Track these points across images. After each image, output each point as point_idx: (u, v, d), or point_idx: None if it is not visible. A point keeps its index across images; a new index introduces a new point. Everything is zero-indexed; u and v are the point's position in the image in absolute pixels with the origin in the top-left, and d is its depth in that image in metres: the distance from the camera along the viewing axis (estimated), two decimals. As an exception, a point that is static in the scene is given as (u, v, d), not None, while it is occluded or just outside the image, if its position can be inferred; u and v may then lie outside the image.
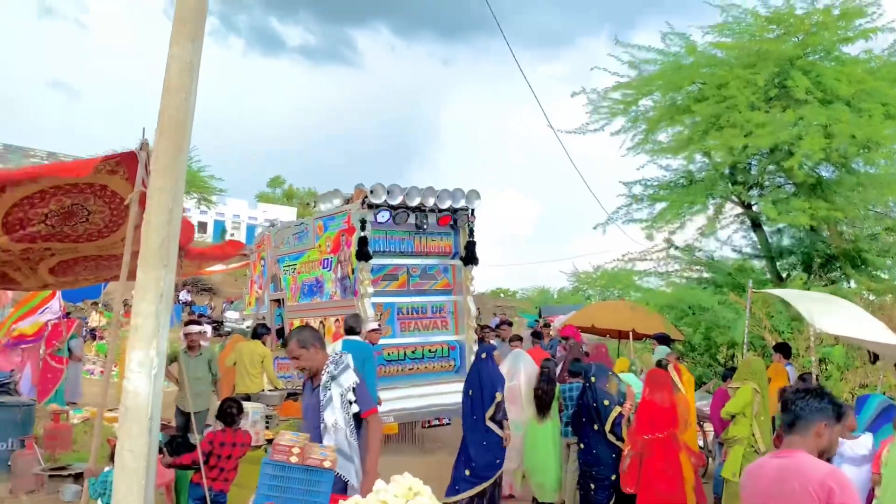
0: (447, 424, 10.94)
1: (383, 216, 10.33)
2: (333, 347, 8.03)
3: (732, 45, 12.18)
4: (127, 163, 4.69)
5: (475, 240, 11.22)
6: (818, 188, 11.45)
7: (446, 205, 10.81)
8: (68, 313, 13.47)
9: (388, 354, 10.45)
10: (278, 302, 12.50)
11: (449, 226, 11.12)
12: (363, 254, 10.09)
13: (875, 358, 10.06)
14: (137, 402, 4.20)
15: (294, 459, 3.80)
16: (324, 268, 11.23)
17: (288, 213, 59.53)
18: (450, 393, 10.47)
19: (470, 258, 11.17)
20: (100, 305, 20.65)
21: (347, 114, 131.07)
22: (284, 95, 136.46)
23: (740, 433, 6.68)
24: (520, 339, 10.40)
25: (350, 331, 8.04)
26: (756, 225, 12.93)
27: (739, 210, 13.11)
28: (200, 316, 19.78)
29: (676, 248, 14.38)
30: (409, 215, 10.54)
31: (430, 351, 10.93)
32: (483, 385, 7.64)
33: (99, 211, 5.23)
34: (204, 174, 37.11)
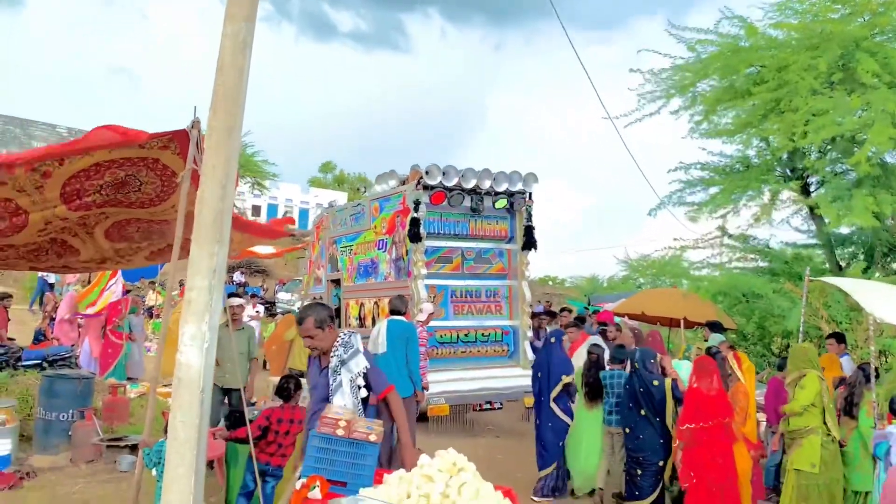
0: (499, 409, 10.94)
1: (439, 198, 10.27)
2: (379, 326, 8.11)
3: (794, 27, 11.75)
4: (179, 140, 4.80)
5: (533, 224, 11.09)
6: (882, 177, 11.01)
7: (503, 187, 10.69)
8: (128, 291, 13.86)
9: (441, 336, 10.47)
10: (336, 282, 12.60)
11: (505, 209, 11.00)
12: (415, 235, 10.10)
13: None
14: (190, 374, 4.30)
15: (340, 432, 3.85)
16: (379, 249, 11.26)
17: (339, 198, 60.09)
18: (502, 377, 10.60)
19: (528, 243, 11.07)
20: (157, 285, 21.19)
21: (398, 99, 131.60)
22: (336, 81, 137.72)
23: (812, 423, 6.36)
24: (577, 325, 10.30)
25: (395, 311, 8.10)
26: (814, 213, 12.52)
27: (796, 196, 12.71)
28: (253, 296, 20.13)
29: (730, 235, 14.06)
30: (464, 197, 10.46)
31: (483, 335, 10.89)
32: (551, 368, 7.94)
33: (150, 182, 5.39)
34: (257, 159, 37.65)
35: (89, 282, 13.16)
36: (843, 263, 13.25)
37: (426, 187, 10.19)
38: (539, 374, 8.14)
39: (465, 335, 10.77)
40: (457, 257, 10.86)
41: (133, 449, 7.31)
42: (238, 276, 29.57)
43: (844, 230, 13.19)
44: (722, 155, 13.47)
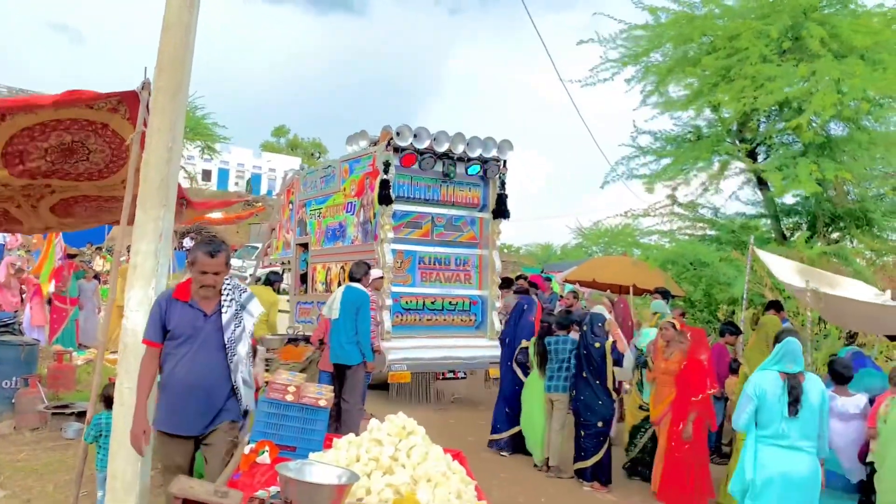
0: (462, 378, 10.93)
1: (409, 160, 10.01)
2: (336, 292, 8.08)
3: (746, -6, 11.89)
4: (128, 102, 4.67)
5: (507, 192, 10.90)
6: (826, 147, 11.29)
7: (476, 153, 10.48)
8: (71, 255, 13.53)
9: (406, 303, 10.34)
10: (304, 246, 12.37)
11: (479, 176, 10.79)
12: (384, 197, 9.85)
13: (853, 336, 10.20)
14: (136, 339, 4.24)
15: (290, 398, 3.85)
16: (347, 212, 11.00)
17: (292, 163, 59.26)
18: (467, 347, 10.46)
19: (500, 211, 10.89)
20: (103, 250, 20.73)
21: (352, 64, 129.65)
22: (288, 43, 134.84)
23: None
24: (526, 291, 10.39)
25: (353, 278, 8.05)
26: (762, 182, 12.80)
27: (745, 167, 12.96)
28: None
29: (680, 204, 14.29)
30: (435, 161, 10.21)
31: (450, 303, 10.73)
32: (516, 334, 8.28)
33: (99, 150, 5.22)
34: (208, 121, 36.76)
35: (28, 250, 12.79)
36: (787, 233, 13.59)
37: (396, 149, 9.92)
38: (507, 340, 8.38)
39: (432, 303, 10.60)
40: (426, 223, 10.64)
41: (80, 416, 7.19)
42: (188, 242, 29.05)
43: (790, 200, 13.53)
44: (675, 122, 13.63)
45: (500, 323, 10.61)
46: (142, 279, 4.26)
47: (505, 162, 10.81)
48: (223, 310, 3.88)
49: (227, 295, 3.92)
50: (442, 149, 10.15)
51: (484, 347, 10.57)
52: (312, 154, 65.95)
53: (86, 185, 5.87)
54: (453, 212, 10.82)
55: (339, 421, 7.26)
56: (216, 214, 17.47)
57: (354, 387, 7.59)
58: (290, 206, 13.14)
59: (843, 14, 11.30)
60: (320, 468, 2.76)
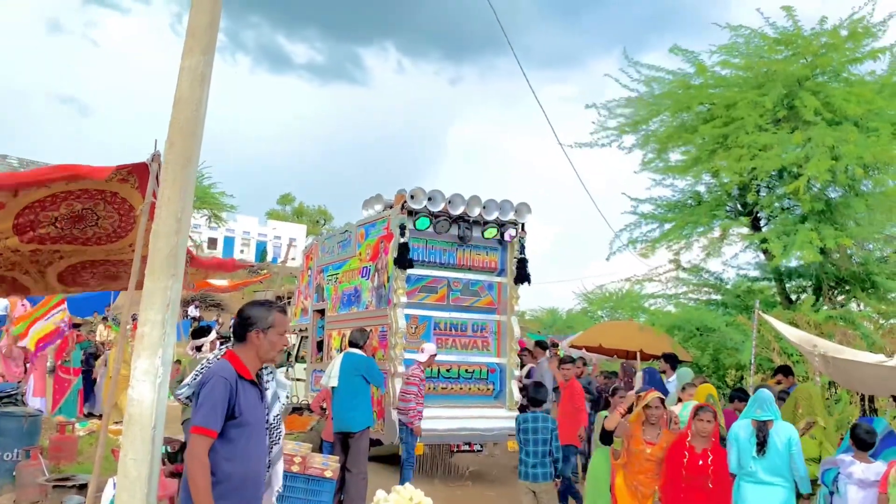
0: (478, 452, 10.31)
1: (423, 223, 9.84)
2: (335, 360, 8.06)
3: (741, 66, 12.22)
4: (138, 173, 4.77)
5: (526, 257, 10.61)
6: (826, 213, 11.41)
7: (493, 216, 10.25)
8: (76, 325, 13.55)
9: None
10: (321, 312, 12.13)
11: (496, 240, 10.55)
12: (403, 261, 9.63)
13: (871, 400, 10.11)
14: (141, 410, 4.21)
15: (296, 468, 3.81)
16: (362, 276, 10.79)
17: (298, 231, 59.75)
18: (485, 418, 9.98)
19: (521, 276, 10.56)
20: (109, 319, 20.74)
21: (355, 133, 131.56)
22: (293, 113, 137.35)
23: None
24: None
25: (353, 344, 8.03)
26: (769, 253, 12.90)
27: (747, 231, 13.06)
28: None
29: (683, 269, 14.35)
30: (450, 225, 10.02)
31: (466, 371, 10.33)
32: None
33: (108, 216, 5.31)
34: (214, 191, 37.31)
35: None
36: (793, 296, 13.59)
37: (411, 212, 9.75)
38: None
39: (448, 370, 10.18)
40: (442, 287, 10.35)
41: (81, 489, 7.09)
42: (192, 310, 29.11)
43: (794, 263, 13.59)
44: (674, 189, 13.83)
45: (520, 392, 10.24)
46: (149, 349, 4.25)
47: (523, 225, 10.60)
48: (265, 386, 3.48)
49: (266, 367, 3.54)
50: (457, 212, 9.97)
51: (502, 418, 10.07)
52: (318, 221, 66.58)
53: (94, 250, 5.94)
54: (470, 276, 10.54)
55: (343, 491, 7.13)
56: (221, 282, 17.56)
57: (359, 455, 7.46)
58: (309, 271, 13.02)
59: (836, 82, 11.60)
60: (326, 541, 2.72)
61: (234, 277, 15.27)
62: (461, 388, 10.22)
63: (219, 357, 3.52)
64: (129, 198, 5.03)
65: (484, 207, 10.14)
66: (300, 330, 13.10)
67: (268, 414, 3.44)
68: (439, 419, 9.51)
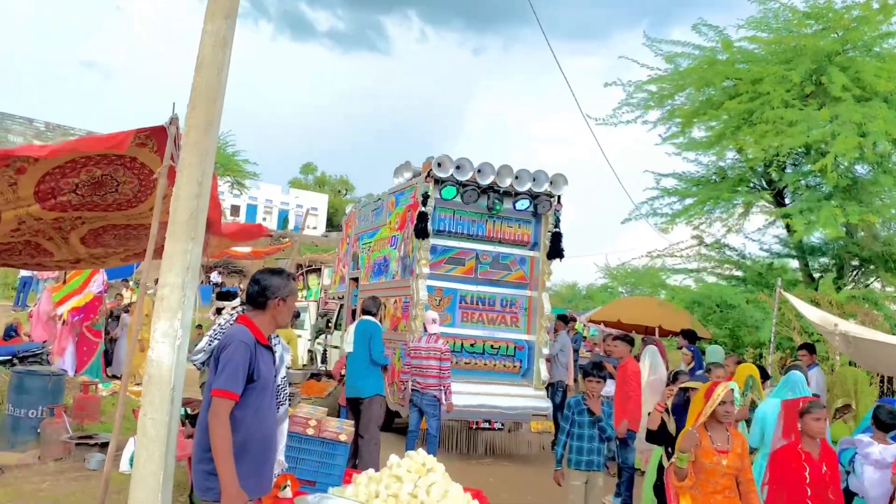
0: (499, 430, 9.89)
1: (449, 192, 9.46)
2: (350, 327, 8.12)
3: (768, 41, 11.97)
4: (156, 137, 4.78)
5: (561, 230, 10.06)
6: (853, 189, 11.23)
7: (525, 187, 9.77)
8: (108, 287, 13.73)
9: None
10: (356, 281, 11.86)
11: (529, 211, 10.07)
12: (421, 231, 9.29)
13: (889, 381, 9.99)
14: (160, 371, 4.27)
15: (310, 432, 3.85)
16: (391, 246, 10.50)
17: (320, 200, 60.00)
18: (508, 395, 9.61)
19: (554, 251, 10.00)
20: (131, 283, 21.01)
21: (378, 102, 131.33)
22: (315, 81, 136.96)
23: None
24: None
25: (366, 311, 8.07)
26: (791, 229, 12.75)
27: (771, 207, 12.91)
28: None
29: (706, 245, 14.24)
30: (479, 195, 9.60)
31: (492, 347, 9.94)
32: None
33: (128, 181, 5.34)
34: (238, 158, 37.48)
35: (65, 280, 12.98)
36: (816, 275, 13.45)
37: (436, 181, 9.36)
38: None
39: (472, 345, 9.77)
40: (470, 260, 9.90)
41: (103, 447, 7.23)
42: (215, 277, 29.42)
43: (816, 240, 13.43)
44: (697, 164, 13.68)
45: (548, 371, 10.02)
46: (168, 311, 4.30)
47: (559, 198, 10.02)
48: (274, 349, 3.53)
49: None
50: (486, 181, 9.53)
51: (528, 397, 9.73)
52: (339, 191, 66.75)
53: (114, 215, 6.00)
54: (501, 249, 10.04)
55: (357, 457, 7.22)
56: (243, 249, 17.68)
57: (370, 421, 7.54)
58: (347, 239, 12.83)
59: (867, 58, 11.33)
60: (338, 502, 2.77)
61: (255, 245, 15.35)
62: (485, 364, 9.86)
63: (231, 322, 3.59)
64: (148, 162, 5.06)
65: (516, 178, 9.71)
66: (338, 298, 12.89)
67: (275, 376, 3.53)
68: (459, 395, 9.07)
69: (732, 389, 4.49)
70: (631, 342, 8.45)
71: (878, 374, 10.55)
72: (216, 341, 3.51)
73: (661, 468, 5.47)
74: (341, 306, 12.71)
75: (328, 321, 12.89)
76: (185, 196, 4.28)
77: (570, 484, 5.48)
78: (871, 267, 12.58)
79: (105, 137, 4.73)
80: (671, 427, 5.17)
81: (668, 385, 6.28)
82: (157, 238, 4.63)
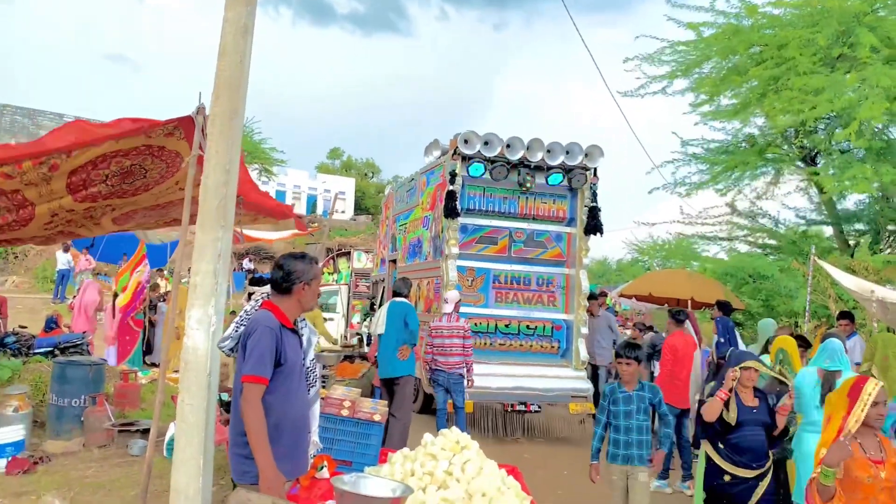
0: (536, 412, 9.68)
1: (477, 169, 9.20)
2: (381, 309, 8.17)
3: (794, 3, 11.70)
4: (184, 126, 4.83)
5: (598, 205, 9.66)
6: (887, 151, 10.99)
7: (558, 161, 9.41)
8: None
9: (476, 325, 9.28)
10: (394, 262, 11.73)
11: (565, 187, 9.70)
12: (450, 210, 9.07)
13: None
14: (196, 357, 4.35)
15: (345, 413, 3.90)
16: (423, 226, 10.31)
17: (347, 184, 60.17)
18: (545, 377, 9.35)
19: (592, 226, 9.63)
20: (165, 272, 21.33)
21: (401, 83, 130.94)
22: (337, 65, 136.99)
23: None
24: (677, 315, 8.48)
25: (397, 293, 8.09)
26: (821, 189, 12.53)
27: (803, 175, 12.70)
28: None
29: (738, 212, 14.06)
30: (509, 171, 9.29)
31: (528, 327, 9.66)
32: None
33: (155, 167, 5.42)
34: (265, 146, 37.70)
35: (99, 273, 13.21)
36: (850, 241, 13.23)
37: (464, 158, 9.11)
38: None
39: (506, 326, 9.55)
40: (503, 238, 9.62)
41: (144, 433, 7.39)
42: (247, 263, 29.71)
43: (851, 206, 13.20)
44: (725, 131, 13.48)
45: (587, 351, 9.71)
46: (202, 298, 4.36)
47: (595, 170, 9.62)
48: (301, 333, 3.58)
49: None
50: (516, 157, 9.21)
51: (567, 378, 9.46)
52: (366, 174, 66.83)
53: (143, 198, 6.10)
54: (535, 226, 9.74)
55: (387, 437, 7.29)
56: (272, 235, 17.84)
57: (403, 401, 7.62)
58: (387, 220, 12.72)
59: (897, 15, 11.04)
60: (375, 481, 2.80)
61: (282, 228, 15.41)
62: (521, 345, 9.60)
63: (257, 308, 3.64)
64: (176, 148, 5.13)
65: (548, 151, 9.36)
66: (381, 280, 12.79)
67: (304, 358, 3.56)
68: (492, 376, 9.00)
69: (883, 386, 3.82)
70: (675, 316, 8.19)
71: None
72: (242, 327, 3.54)
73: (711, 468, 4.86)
74: (383, 289, 12.53)
75: (372, 304, 12.87)
76: (213, 184, 4.33)
77: (610, 479, 5.00)
78: (908, 231, 12.36)
79: (132, 127, 4.77)
80: (731, 418, 4.63)
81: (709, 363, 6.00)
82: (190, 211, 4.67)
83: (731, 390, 4.67)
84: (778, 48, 11.24)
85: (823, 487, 3.53)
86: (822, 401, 5.01)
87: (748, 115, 12.35)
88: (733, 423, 4.61)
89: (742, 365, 4.74)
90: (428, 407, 9.68)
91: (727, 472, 4.67)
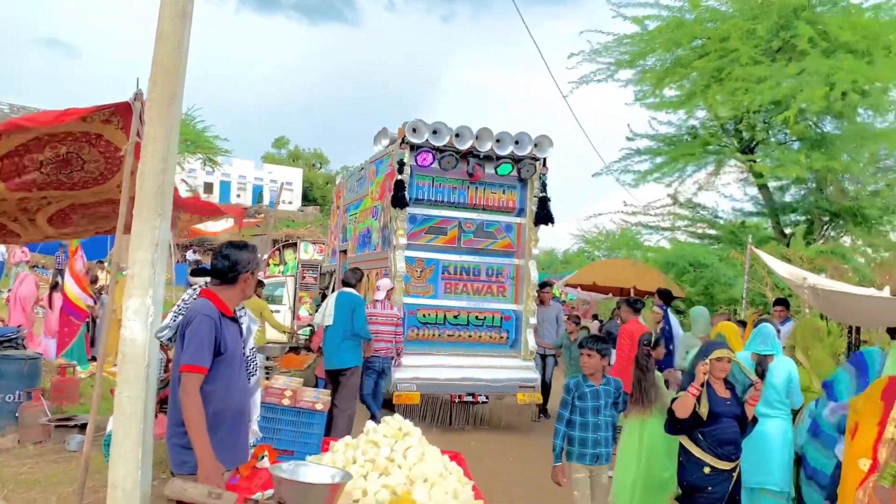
0: (483, 403, 9.67)
1: (425, 159, 9.08)
2: (329, 299, 8.13)
3: (736, -2, 12.05)
4: (121, 113, 4.72)
5: (548, 195, 9.63)
6: (822, 143, 11.40)
7: (507, 151, 9.33)
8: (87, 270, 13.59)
9: (424, 316, 9.29)
10: (345, 253, 11.57)
11: (515, 177, 9.68)
12: (399, 200, 8.97)
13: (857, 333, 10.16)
14: (134, 348, 4.26)
15: (286, 402, 3.88)
16: (373, 216, 10.20)
17: (294, 174, 59.51)
18: (493, 367, 9.34)
19: (543, 217, 9.60)
20: (106, 264, 20.82)
21: (348, 74, 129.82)
22: (283, 54, 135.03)
23: None
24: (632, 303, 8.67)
25: (346, 283, 8.06)
26: (759, 175, 12.92)
27: (742, 165, 13.07)
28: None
29: (679, 203, 14.40)
30: (458, 161, 9.21)
31: (476, 318, 9.59)
32: None
33: (93, 160, 5.28)
34: (208, 135, 36.94)
35: (34, 266, 12.83)
36: (787, 230, 13.66)
37: (412, 147, 9.00)
38: None
39: (455, 317, 9.45)
40: (452, 229, 9.52)
41: (82, 428, 7.22)
42: (191, 255, 29.19)
43: (787, 198, 13.64)
44: (669, 124, 13.78)
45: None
46: (139, 288, 4.28)
47: (545, 161, 9.60)
48: (241, 321, 3.55)
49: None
50: (465, 146, 9.11)
51: (515, 369, 9.46)
52: (313, 164, 66.21)
53: (81, 194, 5.93)
54: (485, 216, 9.67)
55: (332, 427, 7.26)
56: (216, 227, 17.55)
57: (348, 393, 7.60)
58: (338, 210, 12.56)
59: (834, 12, 11.43)
60: (314, 468, 2.79)
61: (222, 221, 15.18)
62: (470, 336, 9.55)
63: (195, 297, 3.58)
64: (113, 139, 5.00)
65: (497, 141, 9.28)
66: (332, 271, 12.67)
67: (244, 347, 3.53)
68: (441, 368, 9.02)
69: None
70: (632, 304, 8.28)
71: (846, 326, 10.79)
72: (181, 317, 3.48)
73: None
74: (334, 280, 12.35)
75: (324, 295, 12.84)
76: (151, 172, 4.24)
77: (574, 478, 4.69)
78: (840, 222, 12.80)
79: (65, 113, 4.65)
80: (703, 412, 4.42)
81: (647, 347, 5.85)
82: (127, 217, 4.59)
83: (702, 385, 4.47)
84: (720, 41, 11.55)
85: (883, 490, 3.45)
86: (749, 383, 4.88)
87: (692, 106, 12.66)
88: (705, 418, 4.45)
89: (714, 356, 4.53)
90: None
91: (707, 465, 4.50)
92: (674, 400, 4.59)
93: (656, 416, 5.15)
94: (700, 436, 4.51)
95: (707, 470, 4.48)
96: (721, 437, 4.48)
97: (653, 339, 5.73)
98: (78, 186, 5.74)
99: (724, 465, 4.49)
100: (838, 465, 5.04)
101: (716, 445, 4.47)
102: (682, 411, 4.43)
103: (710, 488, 4.49)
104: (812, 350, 6.28)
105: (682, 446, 4.62)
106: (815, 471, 5.42)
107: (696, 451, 4.52)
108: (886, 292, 8.46)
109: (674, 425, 4.59)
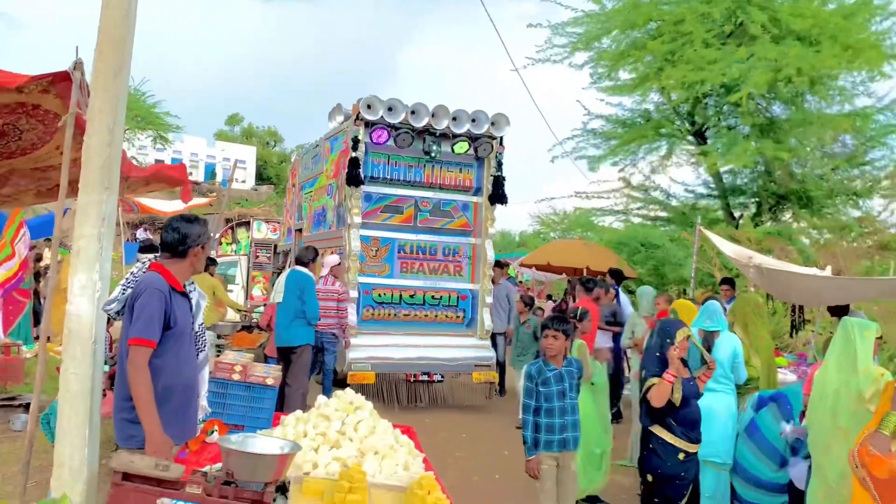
0: (439, 382, 9.66)
1: (381, 136, 8.95)
2: (281, 276, 8.06)
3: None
4: (59, 82, 4.57)
5: (504, 174, 9.60)
6: (770, 128, 11.67)
7: (463, 129, 9.22)
8: (32, 248, 13.25)
9: (380, 296, 9.25)
10: (300, 232, 11.42)
11: (472, 156, 9.58)
12: (353, 178, 8.84)
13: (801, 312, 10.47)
14: (80, 325, 4.17)
15: (236, 377, 3.86)
16: (328, 195, 10.05)
17: (247, 152, 58.58)
18: (449, 346, 9.34)
19: (497, 196, 9.55)
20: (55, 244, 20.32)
21: (304, 51, 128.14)
22: (236, 29, 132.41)
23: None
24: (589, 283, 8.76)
25: (299, 261, 7.98)
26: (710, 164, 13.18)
27: (693, 149, 13.31)
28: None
29: (632, 186, 14.61)
30: (413, 138, 9.08)
31: (433, 297, 9.55)
32: None
33: (31, 129, 5.13)
34: (159, 111, 36.07)
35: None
36: (736, 213, 13.97)
37: (367, 124, 8.87)
38: None
39: (411, 296, 9.42)
40: (409, 208, 9.43)
41: (27, 408, 7.08)
42: (141, 233, 28.64)
43: (737, 181, 13.92)
44: (622, 107, 13.93)
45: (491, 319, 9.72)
46: (85, 263, 4.18)
47: (501, 139, 9.52)
48: (190, 296, 3.51)
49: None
50: (421, 123, 9.00)
51: (471, 348, 9.49)
52: (267, 142, 65.22)
53: (19, 161, 5.74)
54: (441, 195, 9.57)
55: (284, 405, 7.23)
56: (168, 207, 17.22)
57: (299, 371, 7.56)
58: (294, 189, 12.31)
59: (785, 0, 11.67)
60: (262, 440, 2.80)
61: (174, 197, 14.88)
62: (426, 316, 9.52)
63: (144, 271, 3.54)
64: (53, 108, 4.85)
65: (454, 119, 9.17)
66: (288, 251, 12.52)
67: (193, 322, 3.50)
68: (395, 347, 9.03)
69: None
70: (585, 284, 8.40)
71: (790, 306, 11.12)
72: (129, 290, 3.44)
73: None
74: (289, 260, 12.15)
75: (278, 273, 12.67)
76: (97, 144, 4.14)
77: (540, 469, 4.49)
78: (787, 204, 13.14)
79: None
80: (676, 398, 4.27)
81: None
82: (68, 191, 4.48)
83: (678, 370, 4.29)
84: (675, 23, 11.71)
85: (881, 437, 3.51)
86: (702, 360, 4.79)
87: (646, 89, 12.81)
88: (678, 403, 4.28)
89: (681, 336, 4.36)
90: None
91: (682, 451, 4.34)
92: (647, 390, 4.37)
93: (585, 390, 5.19)
94: (673, 421, 4.34)
95: (681, 456, 4.33)
96: (692, 418, 4.37)
97: (579, 313, 6.28)
98: (16, 155, 5.57)
99: (695, 448, 4.40)
100: (786, 486, 5.28)
101: (688, 429, 4.35)
102: (660, 399, 4.26)
103: (682, 474, 4.37)
104: (751, 326, 6.44)
105: (652, 434, 4.42)
106: (744, 470, 5.60)
107: (670, 438, 4.35)
108: (828, 272, 8.74)
109: (651, 414, 4.41)
